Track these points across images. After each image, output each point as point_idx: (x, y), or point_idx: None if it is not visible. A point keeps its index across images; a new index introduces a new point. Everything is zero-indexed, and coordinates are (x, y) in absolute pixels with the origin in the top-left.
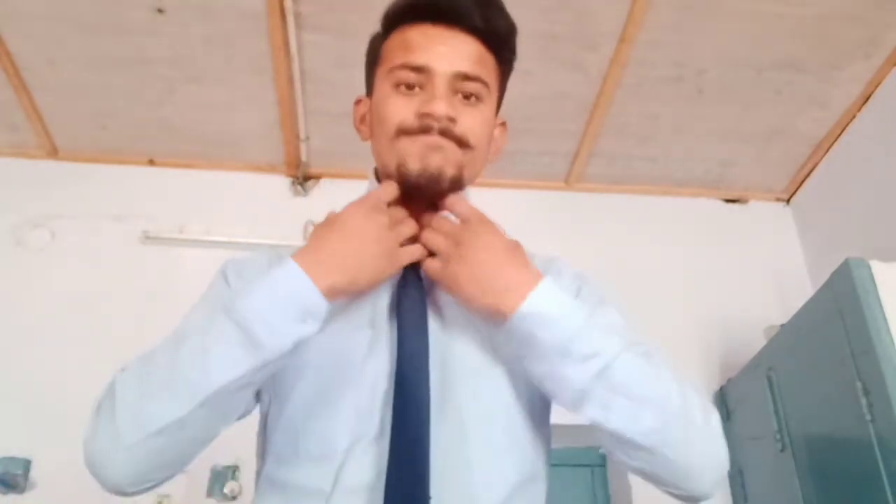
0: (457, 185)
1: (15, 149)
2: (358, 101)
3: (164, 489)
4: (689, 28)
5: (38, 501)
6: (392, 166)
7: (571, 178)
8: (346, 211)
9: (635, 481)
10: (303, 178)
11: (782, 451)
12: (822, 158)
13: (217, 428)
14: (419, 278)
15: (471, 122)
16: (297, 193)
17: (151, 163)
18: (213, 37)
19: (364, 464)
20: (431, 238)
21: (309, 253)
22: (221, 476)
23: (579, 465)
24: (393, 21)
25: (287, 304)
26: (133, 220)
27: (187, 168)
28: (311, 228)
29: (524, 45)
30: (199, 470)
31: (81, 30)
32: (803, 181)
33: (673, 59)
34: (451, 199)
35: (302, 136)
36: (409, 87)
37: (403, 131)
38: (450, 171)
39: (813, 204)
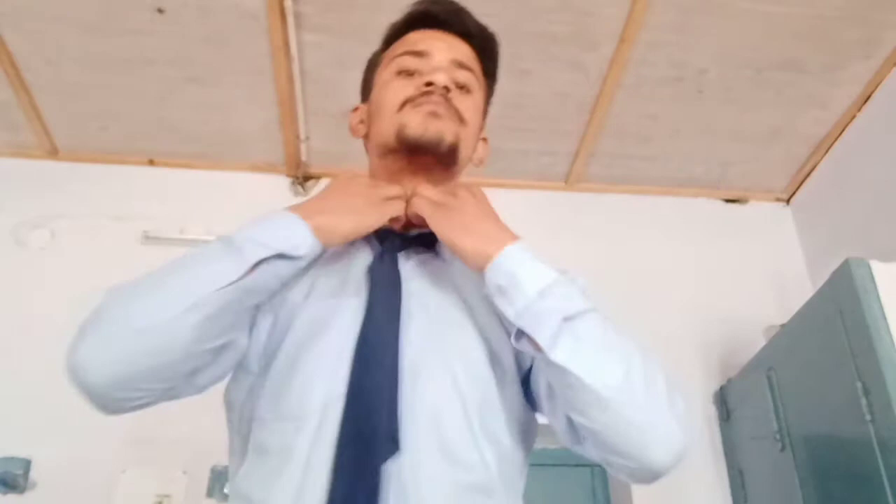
0: (454, 154)
1: (15, 149)
2: (355, 109)
3: (163, 489)
4: (689, 28)
5: (38, 501)
6: (392, 134)
7: (571, 178)
8: (333, 180)
9: None
10: (303, 178)
11: (782, 451)
12: (822, 158)
13: (203, 344)
14: (395, 252)
15: (464, 104)
16: (297, 193)
17: (151, 163)
18: (213, 37)
19: (337, 421)
20: (425, 190)
21: (299, 206)
22: (221, 476)
23: (579, 465)
24: (393, 35)
25: (273, 227)
26: (133, 220)
27: (187, 168)
28: None
29: (524, 45)
30: (199, 470)
31: (81, 30)
32: (803, 181)
33: (673, 59)
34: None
35: (302, 136)
36: (409, 73)
37: (408, 101)
38: (448, 137)
39: (813, 204)
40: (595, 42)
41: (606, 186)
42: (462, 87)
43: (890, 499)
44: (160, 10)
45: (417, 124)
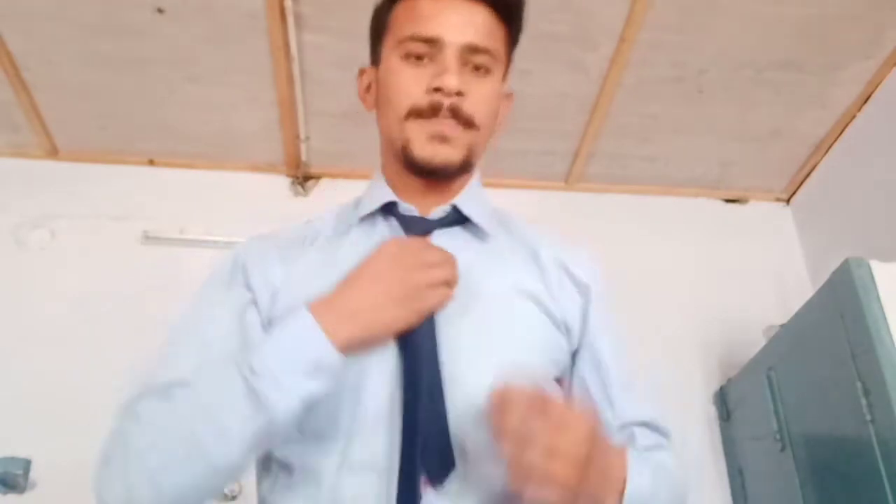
0: (466, 167)
1: (15, 149)
2: (362, 72)
3: None
4: (689, 28)
5: (38, 501)
6: (398, 145)
7: (571, 178)
8: (374, 253)
9: None
10: (303, 178)
11: (782, 451)
12: (822, 158)
13: (232, 482)
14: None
15: (478, 96)
16: (297, 193)
17: (151, 163)
18: (213, 37)
19: (371, 442)
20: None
21: (326, 301)
22: None
23: None
24: None
25: (296, 358)
26: (133, 220)
27: (187, 168)
28: None
29: (524, 45)
30: None
31: (81, 30)
32: (803, 181)
33: (673, 59)
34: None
35: (302, 136)
36: (419, 57)
37: (414, 113)
38: (457, 159)
39: (813, 204)
40: (595, 42)
41: (606, 186)
42: (478, 69)
43: (890, 499)
44: (160, 10)
45: (423, 148)
